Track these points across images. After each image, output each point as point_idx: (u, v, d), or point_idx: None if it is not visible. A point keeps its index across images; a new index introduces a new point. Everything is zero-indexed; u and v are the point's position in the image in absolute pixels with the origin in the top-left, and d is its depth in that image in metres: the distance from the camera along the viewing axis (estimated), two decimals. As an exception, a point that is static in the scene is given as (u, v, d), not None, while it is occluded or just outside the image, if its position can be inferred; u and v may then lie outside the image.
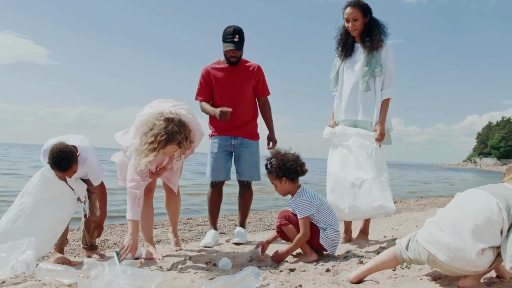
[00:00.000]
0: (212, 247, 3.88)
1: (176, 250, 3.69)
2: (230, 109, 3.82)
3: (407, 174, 37.53)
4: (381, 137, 3.58)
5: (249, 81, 4.11)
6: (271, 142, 4.22)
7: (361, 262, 2.81)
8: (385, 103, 3.66)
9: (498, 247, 2.07)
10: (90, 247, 3.48)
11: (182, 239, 4.62)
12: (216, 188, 4.12)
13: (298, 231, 3.05)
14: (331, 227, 3.11)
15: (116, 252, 2.86)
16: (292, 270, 2.70)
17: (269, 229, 5.49)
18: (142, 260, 3.07)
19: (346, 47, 3.83)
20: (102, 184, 3.23)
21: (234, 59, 4.05)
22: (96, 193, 3.30)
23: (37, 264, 2.64)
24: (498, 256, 2.08)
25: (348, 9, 3.72)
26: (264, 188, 10.46)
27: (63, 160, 2.91)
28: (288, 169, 3.09)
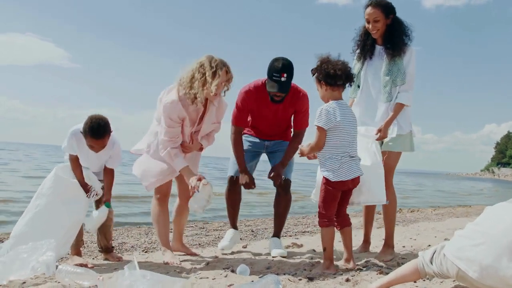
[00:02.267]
0: (230, 251, 3.86)
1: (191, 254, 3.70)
2: (253, 187, 3.70)
3: (427, 183, 37.05)
4: (381, 136, 3.31)
5: (290, 113, 3.74)
6: (273, 173, 3.66)
7: (381, 273, 2.77)
8: (397, 107, 3.34)
9: None
10: (106, 250, 3.50)
11: (199, 244, 4.62)
12: (237, 184, 3.76)
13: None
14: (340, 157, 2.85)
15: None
16: (311, 279, 2.67)
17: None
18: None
19: (365, 49, 3.52)
20: (113, 172, 3.40)
21: (279, 98, 3.58)
22: (108, 176, 3.38)
23: (57, 266, 2.66)
24: None
25: (369, 9, 3.40)
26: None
27: (101, 127, 3.05)
28: (324, 72, 2.90)
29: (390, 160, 3.40)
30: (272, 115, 3.71)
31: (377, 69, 3.46)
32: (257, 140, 3.89)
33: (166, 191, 3.49)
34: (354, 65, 3.63)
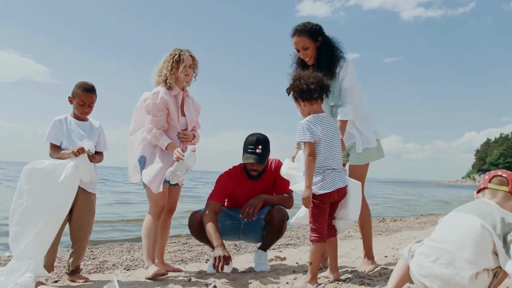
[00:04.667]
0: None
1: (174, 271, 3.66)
2: (228, 270, 3.23)
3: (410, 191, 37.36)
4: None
5: (271, 184, 3.73)
6: (247, 207, 3.56)
7: (363, 283, 2.79)
8: (340, 125, 3.18)
9: (494, 269, 2.03)
10: (75, 271, 3.38)
11: (182, 260, 4.58)
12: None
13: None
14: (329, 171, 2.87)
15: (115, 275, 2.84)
16: (293, 292, 2.67)
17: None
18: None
19: None
20: (102, 154, 3.57)
21: (255, 173, 3.63)
22: (97, 158, 3.48)
23: (38, 283, 2.62)
24: (495, 276, 2.05)
25: (295, 38, 3.33)
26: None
27: (90, 84, 3.49)
28: (298, 90, 2.93)
29: (357, 173, 3.33)
30: (254, 193, 3.66)
31: None
32: (236, 210, 3.76)
33: (162, 205, 3.47)
34: None
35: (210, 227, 3.41)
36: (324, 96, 3.00)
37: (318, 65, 3.31)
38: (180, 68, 3.45)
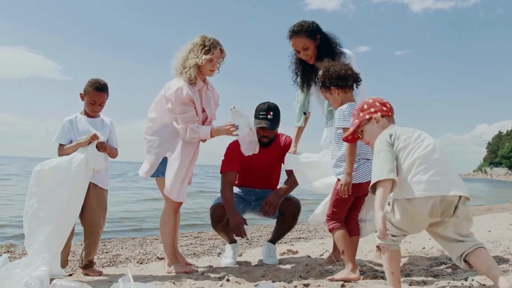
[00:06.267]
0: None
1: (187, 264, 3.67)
2: (244, 237, 3.45)
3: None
4: None
5: (279, 155, 3.74)
6: (267, 204, 3.55)
7: (375, 277, 2.77)
8: None
9: None
10: (88, 265, 3.41)
11: (194, 253, 4.60)
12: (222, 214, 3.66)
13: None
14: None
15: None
16: (306, 285, 2.66)
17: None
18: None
19: (306, 76, 3.41)
20: (117, 150, 3.55)
21: (266, 140, 3.65)
22: (113, 151, 3.50)
23: (52, 280, 2.63)
24: None
25: (293, 40, 3.29)
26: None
27: (102, 82, 3.42)
28: (334, 76, 2.83)
29: None
30: (262, 161, 3.69)
31: (319, 93, 3.34)
32: (247, 188, 3.85)
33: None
34: (298, 95, 3.57)
35: (224, 195, 3.55)
36: (355, 86, 2.92)
37: (320, 63, 3.19)
38: (204, 58, 3.20)
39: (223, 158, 3.73)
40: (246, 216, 3.77)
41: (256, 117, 3.62)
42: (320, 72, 2.91)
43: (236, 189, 3.77)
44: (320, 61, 3.14)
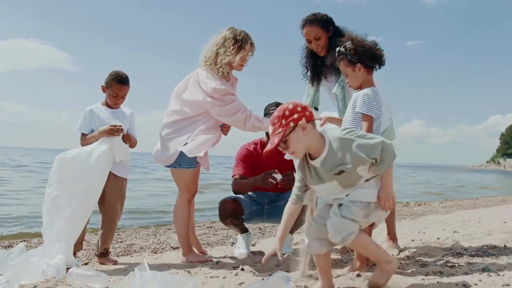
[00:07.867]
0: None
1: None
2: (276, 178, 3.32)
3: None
4: None
5: (291, 160, 3.56)
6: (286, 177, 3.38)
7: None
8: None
9: None
10: (103, 253, 3.44)
11: (208, 243, 4.62)
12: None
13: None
14: None
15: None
16: (321, 275, 2.65)
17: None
18: None
19: (316, 70, 3.38)
20: (136, 140, 3.56)
21: None
22: (133, 141, 3.51)
23: (68, 269, 2.66)
24: None
25: (306, 29, 3.26)
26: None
27: (124, 75, 3.44)
28: (365, 53, 2.58)
29: None
30: (273, 164, 3.57)
31: (332, 86, 3.30)
32: (259, 191, 3.72)
33: (194, 191, 3.43)
34: (308, 89, 3.52)
35: (242, 182, 3.51)
36: (378, 67, 2.72)
37: (331, 56, 3.19)
38: (237, 57, 3.21)
39: (234, 163, 3.71)
40: (255, 222, 3.84)
41: (266, 114, 3.59)
42: (349, 44, 2.63)
43: (248, 193, 3.72)
44: (332, 53, 3.05)
